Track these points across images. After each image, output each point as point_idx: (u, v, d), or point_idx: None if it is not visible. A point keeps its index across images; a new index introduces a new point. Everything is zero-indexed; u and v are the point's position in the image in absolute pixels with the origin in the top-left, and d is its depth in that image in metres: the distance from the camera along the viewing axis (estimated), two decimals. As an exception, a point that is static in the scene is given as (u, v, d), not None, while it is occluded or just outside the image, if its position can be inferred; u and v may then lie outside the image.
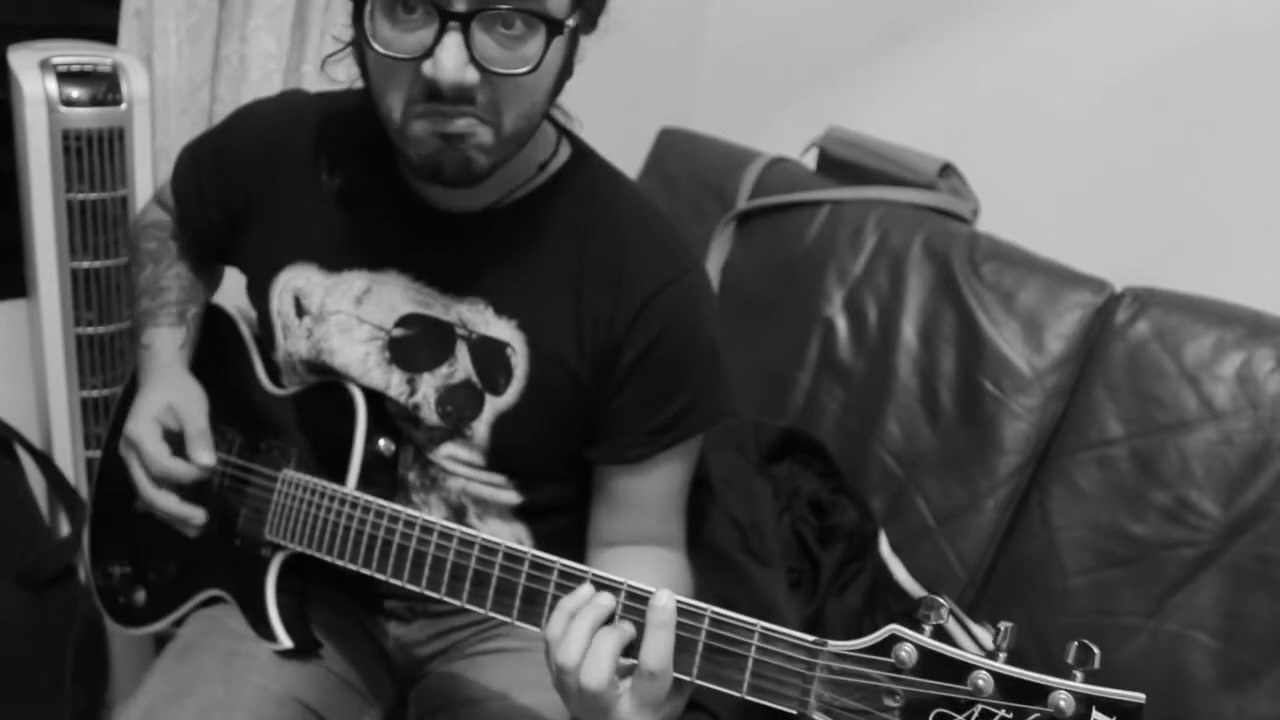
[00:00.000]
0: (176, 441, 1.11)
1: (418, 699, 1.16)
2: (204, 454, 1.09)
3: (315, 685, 1.11)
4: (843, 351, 1.62)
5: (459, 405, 1.06)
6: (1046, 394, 1.46)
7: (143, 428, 1.09)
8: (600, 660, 0.81)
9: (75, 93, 1.37)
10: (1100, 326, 1.45)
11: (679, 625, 0.81)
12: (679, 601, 0.81)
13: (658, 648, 0.81)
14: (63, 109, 1.36)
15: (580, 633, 0.82)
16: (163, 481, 1.09)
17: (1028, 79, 1.71)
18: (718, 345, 1.09)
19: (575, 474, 1.12)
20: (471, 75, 0.86)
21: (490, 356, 1.05)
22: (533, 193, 1.05)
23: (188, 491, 1.11)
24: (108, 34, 1.48)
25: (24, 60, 1.37)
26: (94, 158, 1.40)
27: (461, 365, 1.05)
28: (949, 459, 1.50)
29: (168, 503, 1.09)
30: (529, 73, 0.87)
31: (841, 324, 1.63)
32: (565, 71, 0.96)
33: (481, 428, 1.06)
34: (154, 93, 1.47)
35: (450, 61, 0.84)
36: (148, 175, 1.45)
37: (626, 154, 1.89)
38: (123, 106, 1.40)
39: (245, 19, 1.51)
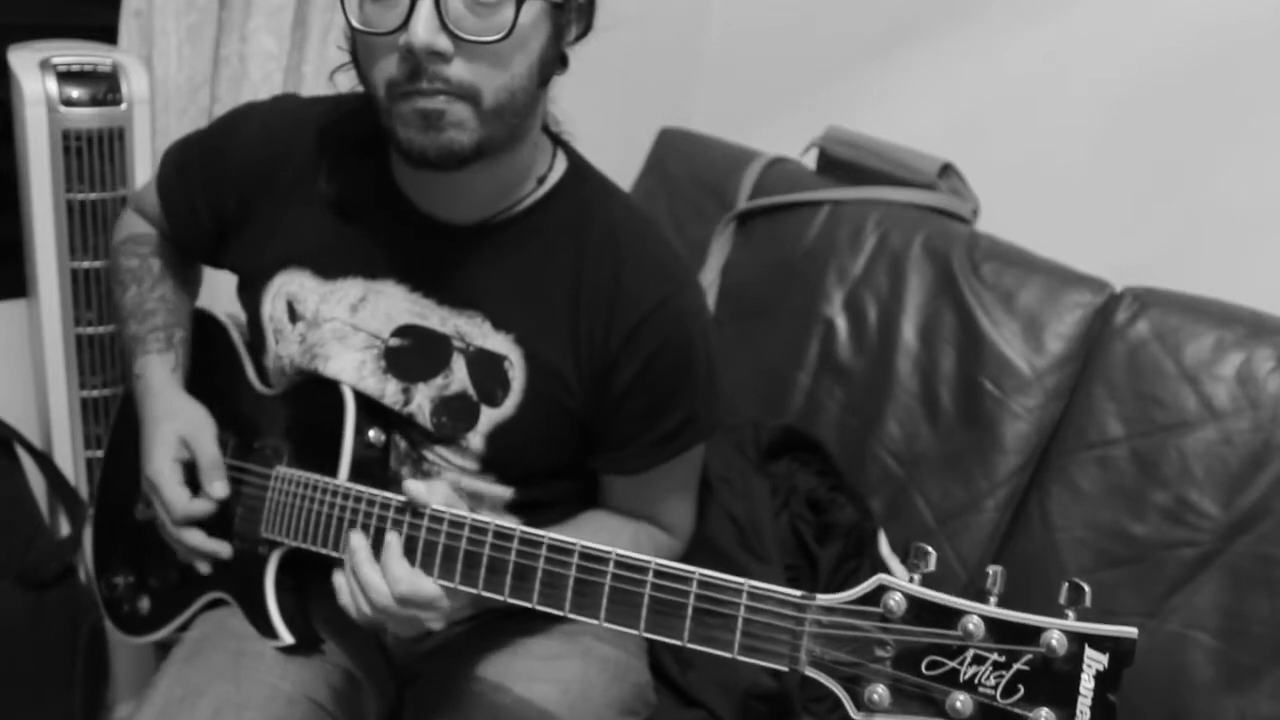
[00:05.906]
0: (190, 470, 1.11)
1: (414, 696, 1.16)
2: (218, 486, 1.09)
3: (323, 682, 1.11)
4: (843, 351, 1.61)
5: (454, 416, 1.06)
6: (1046, 394, 1.46)
7: (163, 470, 1.09)
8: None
9: (75, 93, 1.36)
10: (1100, 326, 1.45)
11: (667, 589, 0.80)
12: (667, 566, 0.81)
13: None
14: (63, 109, 1.36)
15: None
16: (186, 523, 1.10)
17: (1028, 79, 1.71)
18: (714, 359, 1.10)
19: (572, 473, 1.13)
20: (444, 42, 0.88)
21: (487, 369, 1.05)
22: (530, 206, 1.05)
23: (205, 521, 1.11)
24: (108, 34, 1.48)
25: (24, 60, 1.37)
26: (94, 158, 1.39)
27: (457, 377, 1.05)
28: (949, 459, 1.49)
29: (195, 541, 1.10)
30: (501, 40, 0.88)
31: (841, 324, 1.62)
32: (550, 56, 0.95)
33: (476, 439, 1.06)
34: (154, 93, 1.47)
35: (422, 27, 0.86)
36: (148, 175, 1.45)
37: (626, 154, 1.90)
38: (123, 106, 1.40)
39: (245, 19, 1.51)
